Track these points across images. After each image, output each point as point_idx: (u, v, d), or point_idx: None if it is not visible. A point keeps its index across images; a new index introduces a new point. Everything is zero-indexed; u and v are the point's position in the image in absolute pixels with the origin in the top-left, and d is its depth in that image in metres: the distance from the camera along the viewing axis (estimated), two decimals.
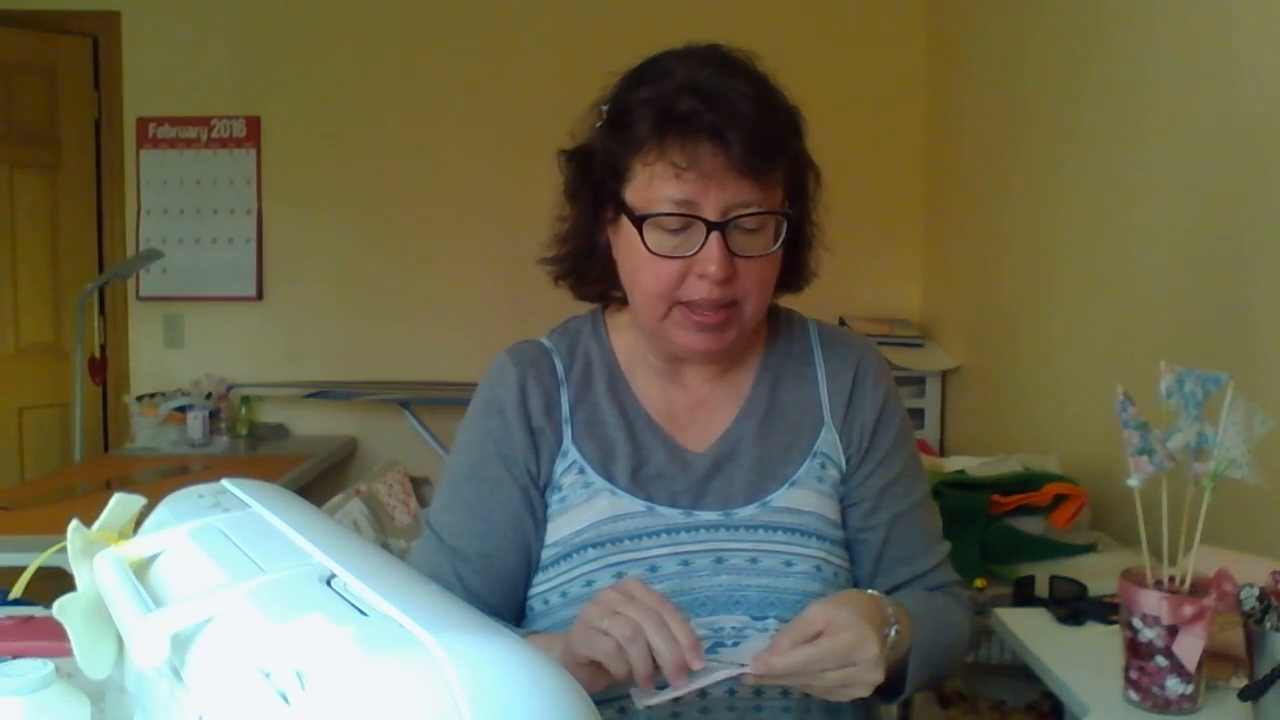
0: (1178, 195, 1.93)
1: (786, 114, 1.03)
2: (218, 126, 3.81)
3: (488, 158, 3.76)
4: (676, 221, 0.98)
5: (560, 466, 1.07)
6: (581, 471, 1.07)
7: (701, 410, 1.11)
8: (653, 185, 0.98)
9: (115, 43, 3.80)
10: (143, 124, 3.82)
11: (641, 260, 1.01)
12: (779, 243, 1.01)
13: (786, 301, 1.16)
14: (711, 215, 0.97)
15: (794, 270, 1.11)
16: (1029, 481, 1.97)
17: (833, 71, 3.62)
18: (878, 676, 0.89)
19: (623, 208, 1.02)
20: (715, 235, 0.97)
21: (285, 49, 3.81)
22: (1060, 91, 2.49)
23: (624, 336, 1.14)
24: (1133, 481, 1.05)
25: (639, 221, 0.99)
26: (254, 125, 3.82)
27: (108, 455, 3.65)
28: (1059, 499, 1.95)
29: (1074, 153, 2.40)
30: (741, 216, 0.98)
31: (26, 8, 3.73)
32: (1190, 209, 1.89)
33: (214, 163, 3.82)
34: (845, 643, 0.88)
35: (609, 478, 1.06)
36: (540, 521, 1.07)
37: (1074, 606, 1.43)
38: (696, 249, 0.98)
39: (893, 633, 0.96)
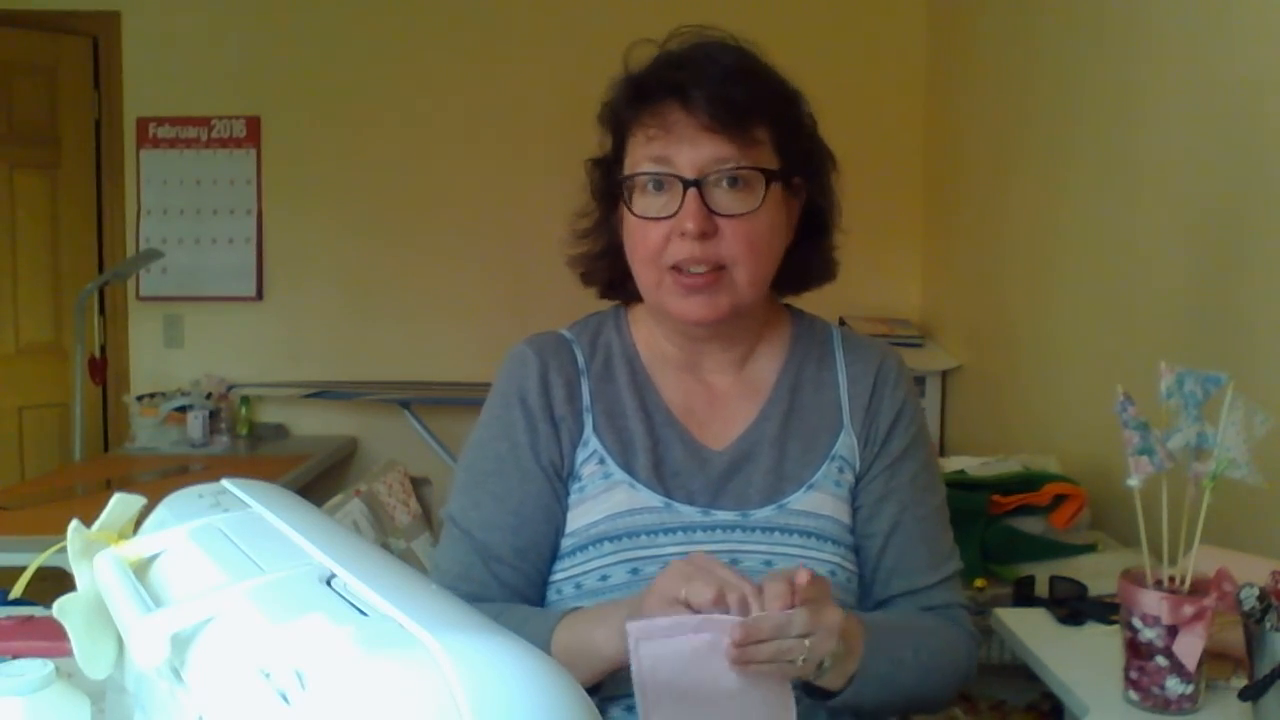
0: (1178, 195, 1.93)
1: (765, 78, 1.04)
2: (218, 126, 3.81)
3: (488, 158, 3.75)
4: (656, 180, 1.01)
5: (581, 455, 1.06)
6: (602, 462, 1.06)
7: (722, 408, 1.10)
8: (634, 152, 1.03)
9: (115, 43, 3.79)
10: (143, 124, 3.82)
11: (632, 228, 1.03)
12: (762, 202, 1.01)
13: (811, 297, 1.16)
14: (686, 173, 0.99)
15: (819, 257, 1.12)
16: (1029, 481, 1.97)
17: (833, 71, 3.61)
18: (831, 643, 0.88)
19: (618, 185, 1.05)
20: (691, 192, 0.99)
21: (285, 49, 3.80)
22: (1061, 91, 2.49)
23: (644, 330, 1.13)
24: (1133, 481, 1.04)
25: (623, 186, 1.02)
26: (254, 125, 3.81)
27: (108, 455, 3.65)
28: (1059, 499, 1.95)
29: (1074, 152, 2.40)
30: (717, 173, 0.99)
31: (26, 8, 3.73)
32: (1190, 209, 1.89)
33: (214, 163, 3.82)
34: (825, 582, 0.91)
35: (629, 470, 1.05)
36: (566, 510, 1.07)
37: (1074, 606, 1.43)
38: (677, 208, 1.00)
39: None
